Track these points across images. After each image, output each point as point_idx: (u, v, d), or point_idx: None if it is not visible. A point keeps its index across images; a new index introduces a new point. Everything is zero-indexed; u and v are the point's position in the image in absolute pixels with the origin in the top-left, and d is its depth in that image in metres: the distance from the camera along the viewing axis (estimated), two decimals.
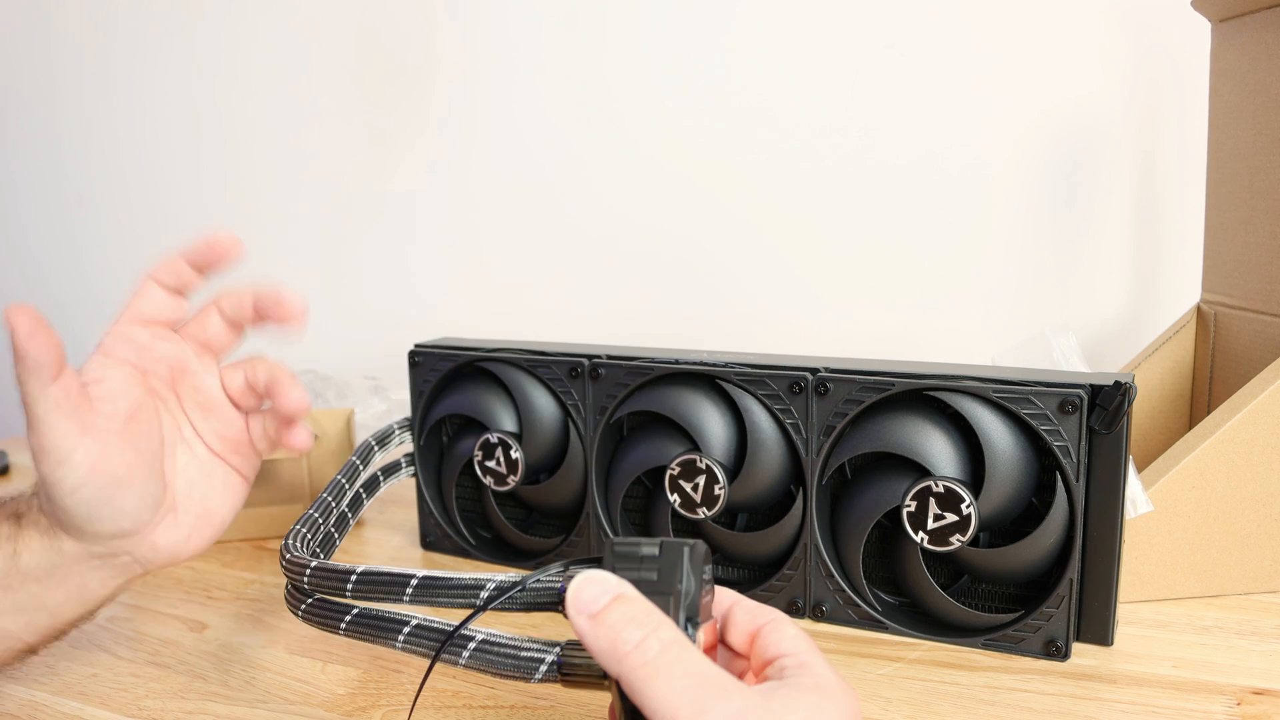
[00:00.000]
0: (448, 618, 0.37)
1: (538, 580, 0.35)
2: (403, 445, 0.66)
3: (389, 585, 0.38)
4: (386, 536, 0.71)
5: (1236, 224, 0.65)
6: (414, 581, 0.38)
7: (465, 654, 0.35)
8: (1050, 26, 0.85)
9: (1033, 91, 0.86)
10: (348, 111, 1.11)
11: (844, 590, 0.53)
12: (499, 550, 0.66)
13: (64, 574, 0.43)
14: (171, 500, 0.45)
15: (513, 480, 0.61)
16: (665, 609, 0.31)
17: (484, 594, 0.36)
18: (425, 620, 0.37)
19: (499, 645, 0.35)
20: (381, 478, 0.63)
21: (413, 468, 0.66)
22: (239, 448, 0.48)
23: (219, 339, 0.47)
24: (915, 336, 0.92)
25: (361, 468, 0.60)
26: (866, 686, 0.47)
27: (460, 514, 0.66)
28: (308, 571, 0.42)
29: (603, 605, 0.30)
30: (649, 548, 0.32)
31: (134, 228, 1.27)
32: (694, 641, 0.31)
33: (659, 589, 0.31)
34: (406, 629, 0.37)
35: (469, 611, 0.36)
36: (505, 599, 0.35)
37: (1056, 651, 0.49)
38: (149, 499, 0.43)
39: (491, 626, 0.36)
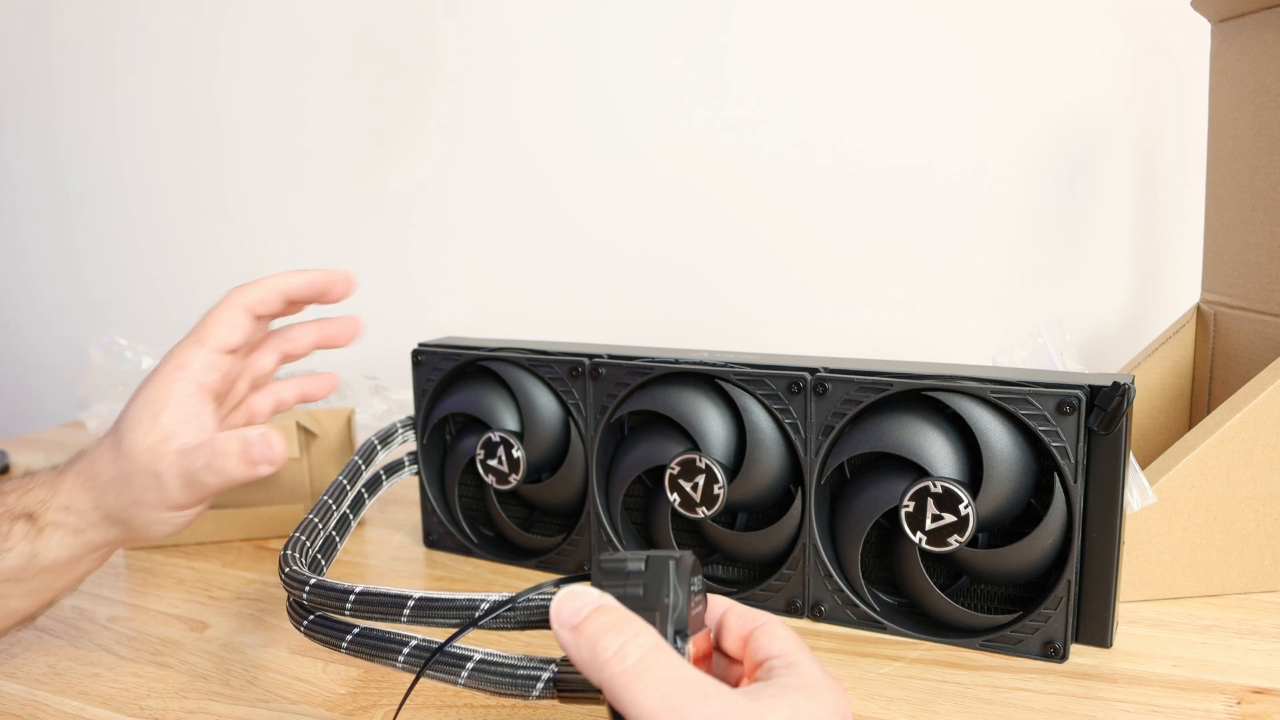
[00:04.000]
0: (448, 637, 0.37)
1: (528, 599, 0.35)
2: (405, 444, 0.66)
3: (387, 605, 0.39)
4: (389, 536, 0.71)
5: (1236, 224, 0.65)
6: (411, 602, 0.38)
7: (464, 673, 0.36)
8: (1050, 26, 0.85)
9: (1033, 92, 0.86)
10: (347, 111, 1.11)
11: (842, 590, 0.53)
12: (501, 549, 0.66)
13: (79, 564, 0.47)
14: None
15: (514, 479, 0.61)
16: (653, 623, 0.31)
17: (479, 613, 0.36)
18: (425, 641, 0.38)
19: (496, 664, 0.35)
20: (384, 476, 0.63)
21: (415, 466, 0.66)
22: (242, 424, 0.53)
23: (267, 367, 0.53)
24: (915, 337, 0.92)
25: (364, 467, 0.61)
26: (867, 686, 0.48)
27: (463, 512, 0.66)
28: (307, 588, 0.42)
29: (583, 617, 0.31)
30: (635, 563, 0.32)
31: (131, 227, 1.27)
32: (684, 653, 0.31)
33: (646, 604, 0.31)
34: (406, 649, 0.38)
35: (474, 632, 0.36)
36: (496, 617, 0.36)
37: (1054, 653, 0.49)
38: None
39: (490, 645, 0.37)
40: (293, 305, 0.50)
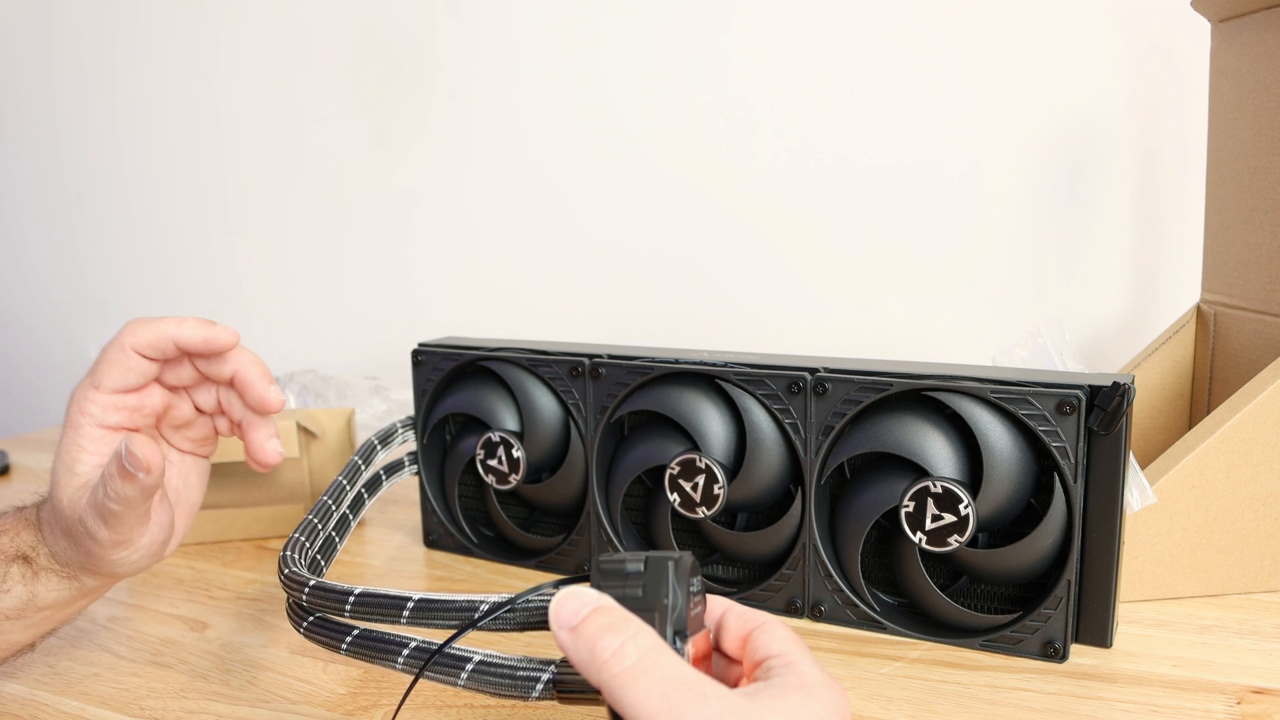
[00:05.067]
0: (447, 639, 0.37)
1: (527, 600, 0.35)
2: (405, 444, 0.66)
3: (387, 606, 0.39)
4: (388, 536, 0.71)
5: (1236, 224, 0.65)
6: (411, 603, 0.38)
7: (464, 675, 0.36)
8: (1050, 26, 0.85)
9: (1033, 92, 0.86)
10: (347, 111, 1.11)
11: (842, 590, 0.53)
12: (501, 549, 0.66)
13: (77, 603, 0.48)
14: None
15: (514, 479, 0.61)
16: (652, 624, 0.31)
17: (478, 615, 0.36)
18: (424, 642, 0.38)
19: (496, 665, 0.35)
20: (384, 476, 0.63)
21: (415, 466, 0.66)
22: (206, 440, 0.51)
23: (208, 405, 0.50)
24: (915, 337, 0.92)
25: (364, 467, 0.61)
26: (867, 686, 0.48)
27: (463, 512, 0.66)
28: (306, 590, 0.42)
29: (582, 618, 0.31)
30: (634, 564, 0.32)
31: (131, 227, 1.27)
32: (683, 654, 0.31)
33: (645, 605, 0.32)
34: (406, 650, 0.38)
35: (473, 634, 0.36)
36: (496, 619, 0.36)
37: (1054, 653, 0.49)
38: (174, 540, 0.48)
39: (489, 646, 0.37)
40: (187, 354, 0.47)
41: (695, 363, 0.56)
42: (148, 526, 0.45)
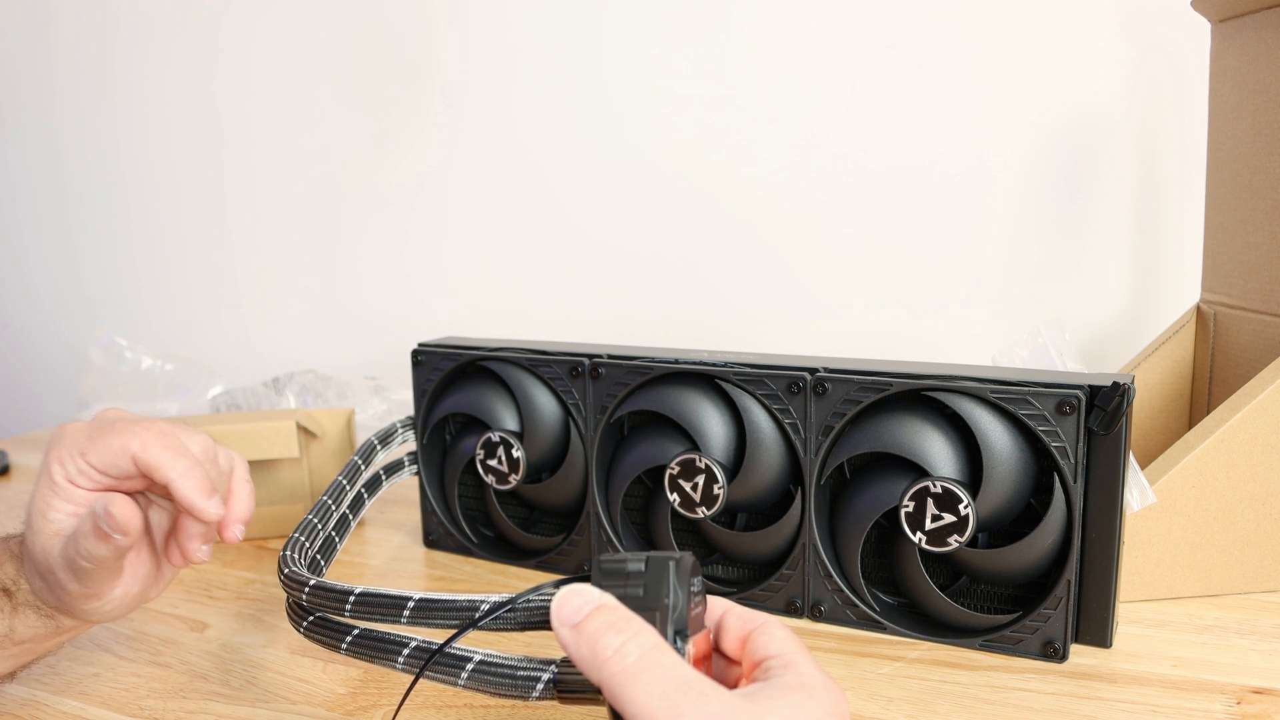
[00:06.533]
0: (447, 638, 0.37)
1: (528, 600, 0.35)
2: (405, 444, 0.66)
3: (387, 606, 0.39)
4: (388, 536, 0.71)
5: (1236, 224, 0.65)
6: (411, 603, 0.38)
7: (464, 674, 0.36)
8: (1050, 26, 0.85)
9: (1033, 92, 0.86)
10: (347, 111, 1.11)
11: (842, 590, 0.53)
12: (501, 549, 0.66)
13: (56, 638, 0.47)
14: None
15: (514, 479, 0.61)
16: (653, 624, 0.31)
17: (479, 614, 0.36)
18: (424, 642, 0.38)
19: (496, 665, 0.35)
20: (384, 476, 0.63)
21: (415, 466, 0.66)
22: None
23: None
24: (915, 337, 0.92)
25: (364, 467, 0.61)
26: (867, 686, 0.48)
27: (463, 512, 0.66)
28: (306, 589, 0.42)
29: (584, 615, 0.31)
30: (635, 563, 0.32)
31: (130, 228, 1.27)
32: (684, 654, 0.31)
33: (646, 604, 0.32)
34: (406, 650, 0.38)
35: (473, 634, 0.36)
36: (496, 618, 0.36)
37: (1054, 653, 0.49)
38: (159, 586, 0.48)
39: (490, 646, 0.37)
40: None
41: (695, 363, 0.56)
42: (119, 580, 0.44)
